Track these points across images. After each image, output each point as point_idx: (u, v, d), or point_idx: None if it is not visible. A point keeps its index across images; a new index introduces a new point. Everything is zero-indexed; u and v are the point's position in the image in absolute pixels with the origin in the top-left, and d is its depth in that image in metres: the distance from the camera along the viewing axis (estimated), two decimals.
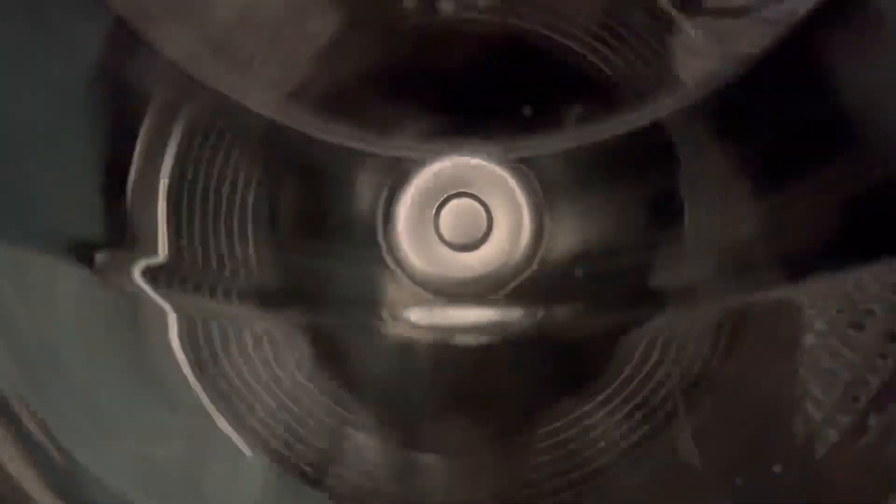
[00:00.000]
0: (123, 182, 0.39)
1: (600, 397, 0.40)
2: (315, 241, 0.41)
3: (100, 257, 0.38)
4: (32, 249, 0.37)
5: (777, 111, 0.39)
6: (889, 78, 0.37)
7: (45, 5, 0.36)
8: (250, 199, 0.40)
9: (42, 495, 0.33)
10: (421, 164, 0.40)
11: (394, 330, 0.41)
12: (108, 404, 0.38)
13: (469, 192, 0.39)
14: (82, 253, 0.38)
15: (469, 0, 0.40)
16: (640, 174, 0.40)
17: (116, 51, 0.37)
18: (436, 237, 0.39)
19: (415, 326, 0.41)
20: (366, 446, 0.41)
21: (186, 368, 0.39)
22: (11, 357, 0.34)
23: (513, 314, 0.40)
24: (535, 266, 0.40)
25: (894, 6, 0.36)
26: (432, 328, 0.41)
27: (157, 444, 0.38)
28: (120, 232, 0.39)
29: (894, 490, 0.34)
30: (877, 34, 0.37)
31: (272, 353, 0.40)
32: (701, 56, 0.39)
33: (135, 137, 0.39)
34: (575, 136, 0.40)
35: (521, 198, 0.40)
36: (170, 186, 0.40)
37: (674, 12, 0.39)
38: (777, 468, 0.37)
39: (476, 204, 0.39)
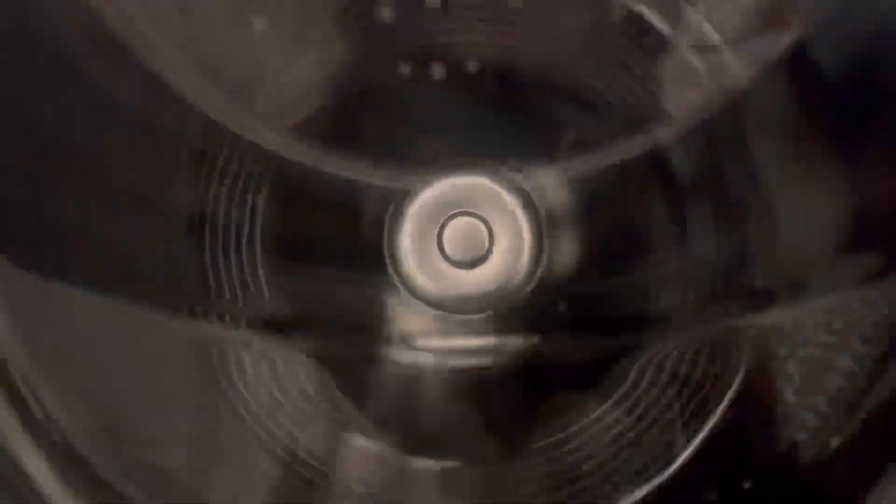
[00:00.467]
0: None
1: (593, 416, 0.41)
2: (322, 265, 0.42)
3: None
4: None
5: (766, 139, 0.41)
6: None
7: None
8: (258, 228, 0.42)
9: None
10: (424, 185, 0.41)
11: (397, 351, 0.42)
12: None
13: (471, 210, 0.41)
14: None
15: (460, 65, 0.42)
16: (637, 199, 0.42)
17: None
18: (439, 254, 0.41)
19: (418, 348, 0.42)
20: (366, 459, 0.42)
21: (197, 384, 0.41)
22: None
23: (511, 335, 0.42)
24: (534, 283, 0.41)
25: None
26: (434, 350, 0.42)
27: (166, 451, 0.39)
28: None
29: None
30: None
31: (279, 374, 0.42)
32: (692, 87, 0.41)
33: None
34: (572, 164, 0.41)
35: (522, 217, 0.41)
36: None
37: (671, 44, 0.41)
38: (759, 482, 0.39)
39: (478, 222, 0.41)
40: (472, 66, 0.42)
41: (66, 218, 0.40)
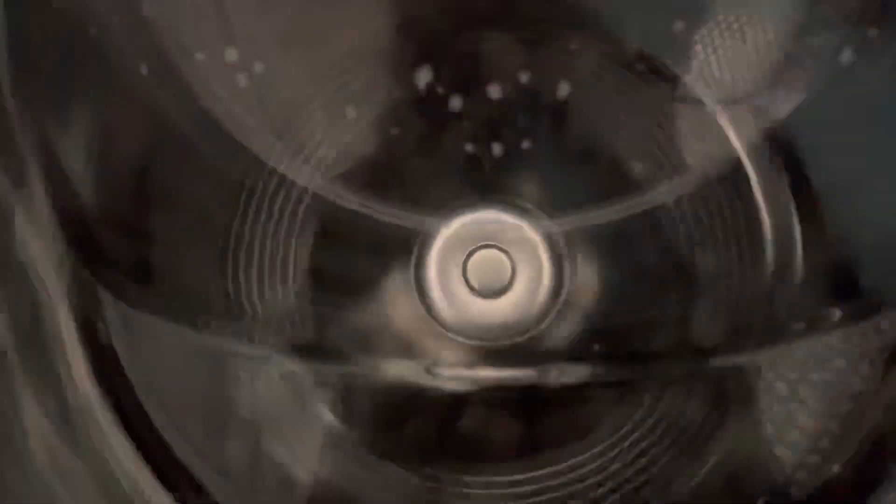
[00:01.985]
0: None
1: (601, 447, 0.43)
2: (350, 295, 0.45)
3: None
4: None
5: (777, 190, 0.44)
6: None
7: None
8: (291, 259, 0.45)
9: None
10: (452, 220, 0.45)
11: (422, 378, 0.44)
12: None
13: (494, 243, 0.44)
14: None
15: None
16: (654, 244, 0.45)
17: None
18: (464, 284, 0.44)
19: (441, 376, 0.44)
20: (384, 483, 0.44)
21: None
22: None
23: (529, 367, 0.44)
24: (554, 314, 0.44)
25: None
26: (457, 378, 0.45)
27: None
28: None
29: None
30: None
31: (302, 394, 0.44)
32: (710, 138, 0.44)
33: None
34: (594, 215, 0.45)
35: (542, 249, 0.44)
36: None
37: (686, 100, 0.45)
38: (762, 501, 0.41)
39: (501, 254, 0.44)
40: (522, 145, 0.46)
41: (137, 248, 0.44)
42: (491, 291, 0.44)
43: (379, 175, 0.45)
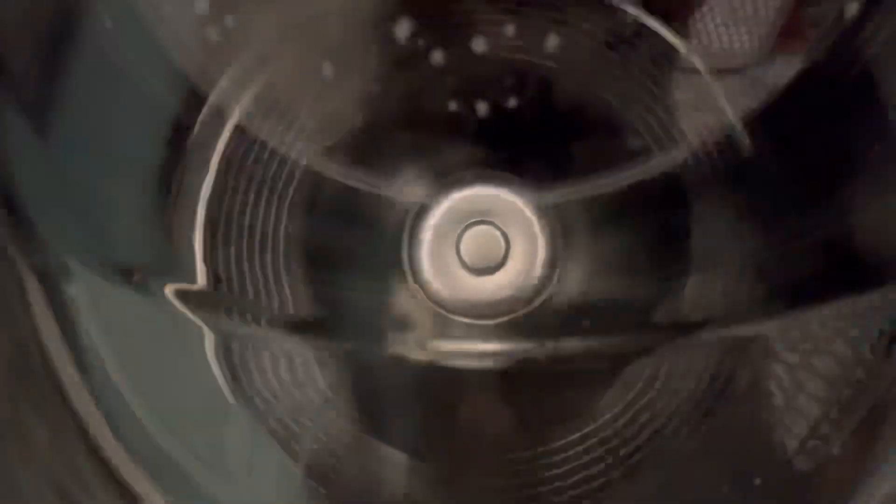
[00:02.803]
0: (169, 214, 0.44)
1: (603, 420, 0.43)
2: (343, 270, 0.44)
3: (137, 278, 0.42)
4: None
5: (777, 160, 0.43)
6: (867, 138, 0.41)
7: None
8: (282, 235, 0.44)
9: None
10: (445, 195, 0.43)
11: (414, 353, 0.44)
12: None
13: (488, 220, 0.43)
14: (126, 275, 0.42)
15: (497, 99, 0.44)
16: (651, 214, 0.44)
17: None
18: (457, 260, 0.43)
19: (434, 351, 0.44)
20: (377, 459, 0.43)
21: (221, 379, 0.43)
22: None
23: (525, 341, 0.43)
24: (549, 291, 0.43)
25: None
26: (450, 353, 0.44)
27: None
28: (163, 260, 0.44)
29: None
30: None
31: (296, 372, 0.43)
32: (707, 110, 0.43)
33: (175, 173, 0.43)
34: (588, 186, 0.43)
35: (536, 225, 0.43)
36: (207, 221, 0.43)
37: (680, 70, 0.43)
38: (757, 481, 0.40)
39: (495, 231, 0.43)
40: (508, 103, 0.44)
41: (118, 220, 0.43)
42: (484, 269, 0.42)
43: (360, 141, 0.44)
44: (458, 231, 0.43)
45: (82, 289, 0.41)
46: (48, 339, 0.41)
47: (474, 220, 0.43)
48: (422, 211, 0.43)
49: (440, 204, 0.43)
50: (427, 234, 0.43)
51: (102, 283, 0.42)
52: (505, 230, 0.43)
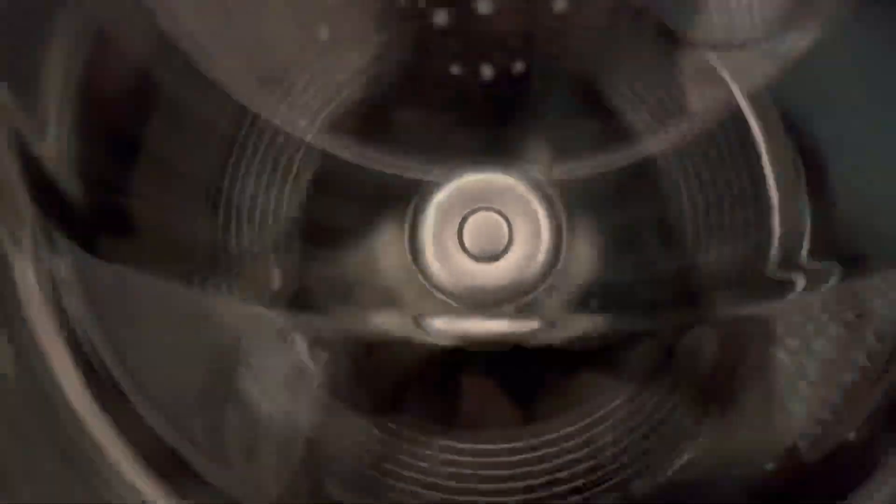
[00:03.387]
0: None
1: (612, 405, 0.42)
2: (342, 250, 0.43)
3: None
4: None
5: (783, 136, 0.42)
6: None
7: None
8: (282, 211, 0.43)
9: None
10: (447, 179, 0.42)
11: (417, 337, 0.43)
12: None
13: (492, 206, 0.42)
14: None
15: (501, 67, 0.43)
16: (654, 195, 0.43)
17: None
18: (459, 247, 0.42)
19: (436, 333, 0.43)
20: (377, 443, 0.43)
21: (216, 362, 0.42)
22: None
23: (529, 325, 0.43)
24: (552, 278, 0.42)
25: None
26: (454, 336, 0.43)
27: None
28: None
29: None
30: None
31: (294, 352, 0.43)
32: (711, 86, 0.42)
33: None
34: (592, 163, 0.42)
35: (540, 212, 0.42)
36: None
37: (686, 44, 0.42)
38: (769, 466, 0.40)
39: (498, 218, 0.42)
40: (500, 71, 0.43)
41: (109, 201, 0.41)
42: (487, 256, 0.41)
43: (358, 114, 0.43)
44: (461, 217, 0.42)
45: (69, 265, 0.40)
46: (36, 315, 0.40)
47: (477, 206, 0.42)
48: (424, 195, 0.42)
49: (442, 188, 0.42)
50: (428, 219, 0.42)
51: (91, 259, 0.41)
52: (508, 217, 0.42)
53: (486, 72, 0.42)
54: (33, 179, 0.40)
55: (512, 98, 0.43)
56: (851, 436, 0.40)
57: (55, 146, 0.40)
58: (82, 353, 0.40)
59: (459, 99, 0.43)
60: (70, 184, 0.40)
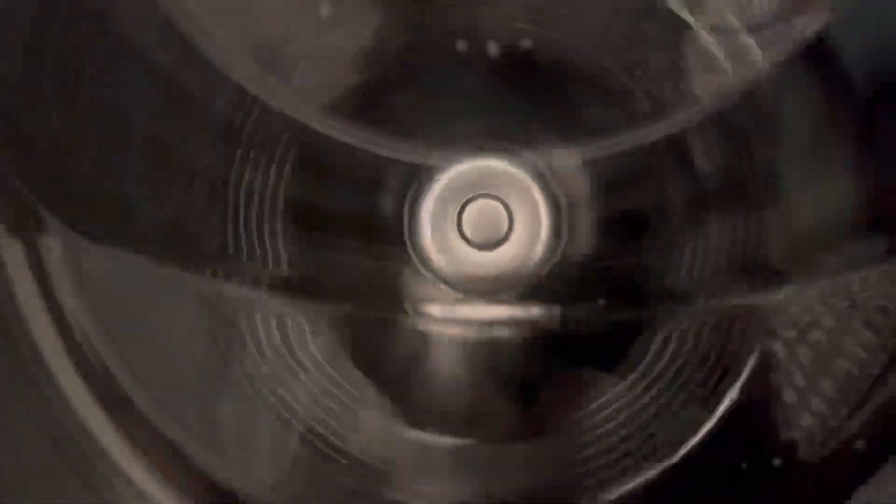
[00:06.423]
0: None
1: (615, 391, 0.42)
2: (341, 235, 0.43)
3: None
4: None
5: (787, 122, 0.42)
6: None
7: None
8: (281, 195, 0.42)
9: None
10: (446, 166, 0.41)
11: (416, 324, 0.43)
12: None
13: (491, 193, 0.41)
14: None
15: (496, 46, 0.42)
16: (656, 181, 0.42)
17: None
18: (458, 235, 0.41)
19: (436, 321, 0.42)
20: (380, 433, 0.42)
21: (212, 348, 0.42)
22: None
23: (531, 311, 0.42)
24: (552, 265, 0.42)
25: None
26: (453, 322, 0.43)
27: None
28: None
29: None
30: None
31: (293, 343, 0.42)
32: (716, 71, 0.41)
33: None
34: (593, 148, 0.42)
35: (540, 200, 0.41)
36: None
37: (691, 28, 0.41)
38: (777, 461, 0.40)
39: (498, 205, 0.41)
40: (505, 49, 0.42)
41: (105, 183, 0.41)
42: (487, 243, 0.41)
43: (358, 95, 0.43)
44: (460, 204, 0.41)
45: (59, 247, 0.40)
46: (25, 302, 0.39)
47: (477, 193, 0.41)
48: (423, 181, 0.42)
49: (442, 175, 0.41)
50: (427, 205, 0.41)
51: (83, 243, 0.40)
52: (508, 204, 0.41)
53: (492, 49, 0.42)
54: (25, 159, 0.39)
55: (515, 79, 0.42)
56: (852, 437, 0.40)
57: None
58: (75, 342, 0.40)
59: (463, 79, 0.42)
60: (63, 166, 0.40)
